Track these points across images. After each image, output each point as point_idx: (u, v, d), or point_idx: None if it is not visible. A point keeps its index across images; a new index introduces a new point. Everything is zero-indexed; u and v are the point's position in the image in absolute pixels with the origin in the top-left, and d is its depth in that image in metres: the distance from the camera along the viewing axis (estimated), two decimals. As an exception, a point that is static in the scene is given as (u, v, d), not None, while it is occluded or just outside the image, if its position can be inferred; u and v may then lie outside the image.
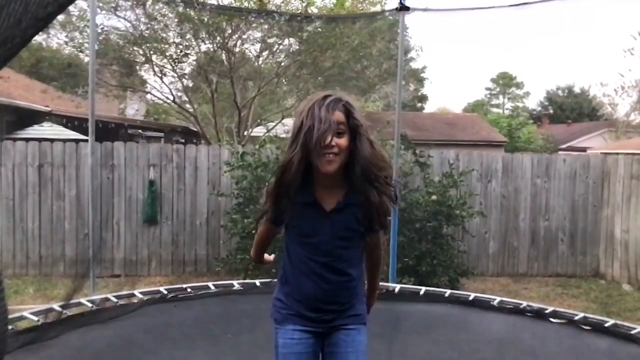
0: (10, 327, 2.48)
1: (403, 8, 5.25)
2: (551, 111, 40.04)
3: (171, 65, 12.72)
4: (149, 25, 12.11)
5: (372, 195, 1.78)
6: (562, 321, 3.35)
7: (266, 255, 2.21)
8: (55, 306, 2.96)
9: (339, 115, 1.75)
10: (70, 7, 10.95)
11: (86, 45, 12.08)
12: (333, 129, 1.72)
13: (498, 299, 3.72)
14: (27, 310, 2.80)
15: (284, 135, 7.04)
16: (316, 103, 1.76)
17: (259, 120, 15.07)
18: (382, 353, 2.80)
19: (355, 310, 1.92)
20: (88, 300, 3.17)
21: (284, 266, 1.95)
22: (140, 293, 3.38)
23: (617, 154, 8.71)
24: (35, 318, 2.78)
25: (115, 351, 2.82)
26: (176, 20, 11.85)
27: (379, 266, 2.05)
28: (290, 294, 1.90)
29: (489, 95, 51.22)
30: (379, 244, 1.97)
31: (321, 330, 1.88)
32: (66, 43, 12.93)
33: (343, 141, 1.76)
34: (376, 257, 1.99)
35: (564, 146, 24.39)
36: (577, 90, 41.01)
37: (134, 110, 18.63)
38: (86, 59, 13.60)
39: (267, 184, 6.39)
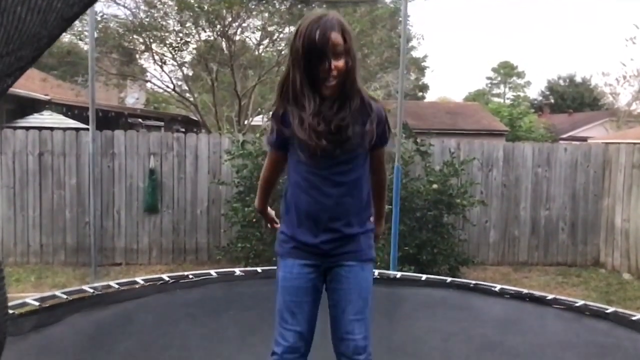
0: (12, 312, 2.49)
1: (405, -5, 5.21)
2: (552, 101, 39.94)
3: (171, 53, 12.66)
4: (148, 13, 12.04)
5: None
6: (562, 307, 3.35)
7: (270, 211, 2.17)
8: (58, 293, 2.97)
9: (336, 37, 1.74)
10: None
11: (86, 33, 12.03)
12: (331, 51, 1.72)
13: (499, 286, 3.73)
14: (28, 298, 2.81)
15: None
16: (313, 25, 1.73)
17: (259, 109, 15.04)
18: (384, 328, 2.81)
19: (359, 244, 1.88)
20: (90, 287, 3.18)
21: (285, 194, 1.94)
22: (142, 280, 3.39)
23: (619, 143, 8.70)
24: (37, 304, 2.79)
25: (117, 327, 2.84)
26: (176, 8, 11.78)
27: (384, 187, 2.05)
28: (291, 220, 1.89)
29: (490, 85, 51.12)
30: (381, 161, 1.98)
31: (322, 264, 1.86)
32: (65, 31, 12.88)
33: (341, 63, 1.75)
34: (380, 177, 2.00)
35: (565, 136, 24.37)
36: (578, 79, 40.93)
37: (134, 99, 18.56)
38: (85, 47, 13.55)
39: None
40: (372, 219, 1.99)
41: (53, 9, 0.67)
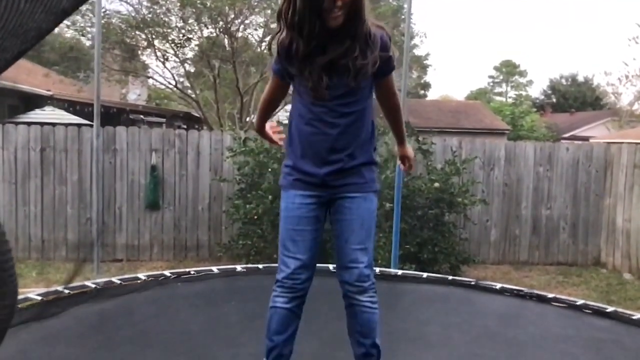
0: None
1: (409, -7, 5.21)
2: (554, 100, 39.89)
3: (173, 50, 12.68)
4: (151, 10, 12.06)
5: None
6: (563, 305, 3.36)
7: (269, 126, 2.22)
8: (60, 288, 2.99)
9: None
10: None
11: (88, 29, 12.04)
12: None
13: (499, 285, 3.73)
14: (30, 293, 2.82)
15: (286, 122, 7.02)
16: None
17: (261, 106, 15.01)
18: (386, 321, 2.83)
19: (362, 176, 1.90)
20: (92, 283, 3.20)
21: (290, 125, 1.96)
22: (144, 276, 3.41)
23: (621, 143, 8.69)
24: (40, 299, 2.81)
25: (118, 317, 2.86)
26: (178, 4, 11.79)
27: (398, 112, 2.07)
28: (295, 152, 1.92)
29: (492, 83, 51.06)
30: (391, 88, 1.99)
31: (325, 195, 1.88)
32: (68, 27, 12.88)
33: None
34: (393, 103, 2.03)
35: (566, 135, 24.34)
36: (580, 79, 40.82)
37: (135, 95, 18.58)
38: (88, 43, 13.56)
39: (269, 170, 6.40)
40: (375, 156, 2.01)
41: (40, 2, 0.66)
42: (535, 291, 3.66)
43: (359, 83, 1.82)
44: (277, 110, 13.35)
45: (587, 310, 3.25)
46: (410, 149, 2.21)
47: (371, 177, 1.93)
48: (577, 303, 3.37)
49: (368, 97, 1.91)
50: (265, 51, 13.68)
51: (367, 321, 1.88)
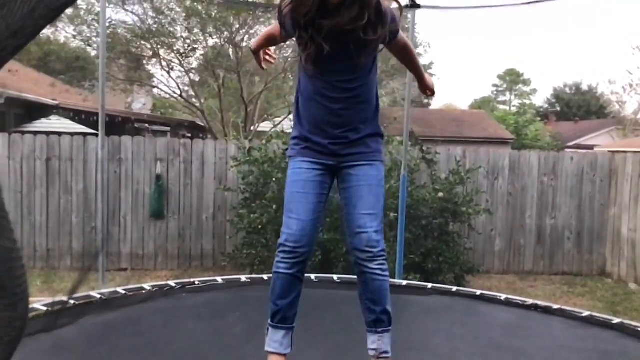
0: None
1: (414, 5, 5.24)
2: (558, 109, 39.86)
3: (178, 59, 12.75)
4: (156, 20, 12.13)
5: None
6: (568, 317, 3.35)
7: (264, 51, 2.31)
8: (65, 298, 2.99)
9: None
10: (79, 1, 10.99)
11: (94, 39, 12.13)
12: None
13: (504, 296, 3.72)
14: (36, 303, 2.83)
15: (290, 131, 7.05)
16: None
17: (265, 116, 15.08)
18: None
19: (368, 147, 1.92)
20: (98, 293, 3.20)
21: (297, 102, 1.98)
22: (149, 286, 3.41)
23: (625, 152, 8.68)
24: (45, 309, 2.81)
25: (124, 328, 2.86)
26: (184, 14, 11.87)
27: (413, 55, 2.15)
28: (302, 126, 1.94)
29: (495, 92, 51.04)
30: (405, 45, 2.04)
31: (332, 163, 1.90)
32: (74, 37, 12.98)
33: None
34: (408, 53, 2.11)
35: (571, 144, 24.29)
36: (584, 87, 40.79)
37: (140, 104, 18.68)
38: (93, 53, 13.66)
39: (273, 179, 6.41)
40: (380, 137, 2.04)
41: (42, 1, 0.68)
42: (541, 303, 3.64)
43: (366, 58, 1.84)
44: (280, 120, 13.26)
45: (593, 322, 3.23)
46: (430, 79, 2.25)
47: (377, 147, 1.95)
48: (583, 314, 3.35)
49: (371, 71, 1.92)
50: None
51: (378, 288, 1.88)
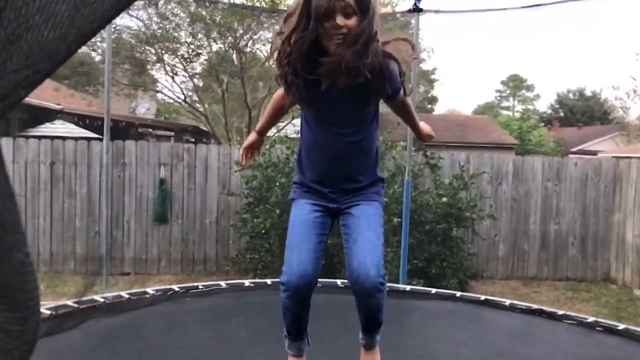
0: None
1: (417, 10, 5.24)
2: (562, 114, 39.84)
3: (182, 64, 12.79)
4: (161, 25, 12.18)
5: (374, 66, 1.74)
6: (573, 322, 3.33)
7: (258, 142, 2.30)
8: (70, 302, 3.00)
9: None
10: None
11: (98, 44, 12.17)
12: (339, 7, 1.67)
13: (508, 301, 3.71)
14: (41, 307, 2.84)
15: (294, 136, 7.06)
16: None
17: (269, 121, 15.07)
18: (394, 338, 2.81)
19: (367, 191, 1.97)
20: (101, 297, 3.20)
21: (299, 155, 2.04)
22: (153, 290, 3.41)
23: (630, 157, 8.65)
24: (49, 312, 2.82)
25: (127, 333, 2.86)
26: (188, 20, 11.91)
27: (412, 113, 2.23)
28: (303, 175, 1.99)
29: (499, 98, 51.10)
30: (404, 101, 2.05)
31: (333, 206, 1.94)
32: (79, 42, 13.01)
33: (352, 22, 1.69)
34: (407, 110, 2.16)
35: (574, 149, 24.26)
36: (588, 93, 40.81)
37: (144, 109, 18.73)
38: (98, 58, 13.71)
39: (277, 184, 6.41)
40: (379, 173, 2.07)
41: (74, 25, 0.68)
42: (546, 308, 3.63)
43: (367, 107, 1.86)
44: (284, 125, 13.30)
45: (598, 328, 3.22)
46: (425, 126, 2.35)
47: (377, 190, 2.00)
48: (588, 320, 3.34)
49: (372, 123, 1.94)
50: (273, 66, 13.78)
51: (374, 315, 1.93)
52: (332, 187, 1.94)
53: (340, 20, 1.68)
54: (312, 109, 1.88)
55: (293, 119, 13.82)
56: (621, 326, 3.22)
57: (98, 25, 0.71)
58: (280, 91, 2.06)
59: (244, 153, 2.28)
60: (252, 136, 2.28)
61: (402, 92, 1.95)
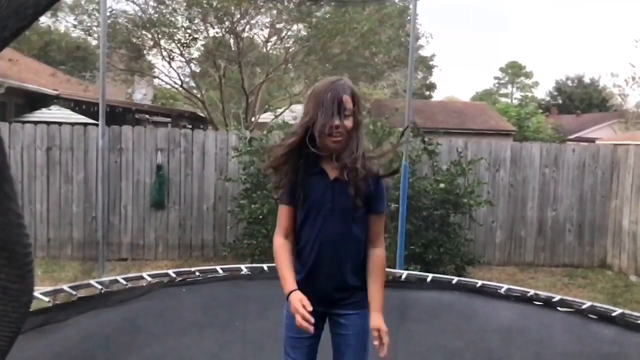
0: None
1: (414, -6, 5.20)
2: (560, 101, 39.75)
3: (179, 49, 12.70)
4: (157, 9, 12.08)
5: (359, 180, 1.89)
6: (570, 310, 3.34)
7: (299, 299, 1.86)
8: (66, 287, 2.99)
9: (347, 99, 1.89)
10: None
11: (94, 28, 12.08)
12: (341, 111, 1.86)
13: (505, 286, 3.71)
14: (37, 291, 2.83)
15: (292, 122, 7.03)
16: (327, 86, 1.90)
17: (266, 107, 15.04)
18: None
19: (356, 295, 2.00)
20: (97, 282, 3.19)
21: (298, 243, 2.03)
22: (149, 276, 3.40)
23: (627, 144, 8.64)
24: (46, 299, 2.81)
25: (124, 335, 2.84)
26: (184, 4, 11.81)
27: (380, 266, 2.01)
28: (298, 275, 1.98)
29: (497, 85, 50.90)
30: (378, 231, 2.02)
31: (322, 309, 1.97)
32: (74, 26, 12.93)
33: (349, 123, 1.88)
34: (376, 250, 2.01)
35: (572, 136, 24.25)
36: (586, 80, 40.65)
37: (141, 94, 18.62)
38: (94, 42, 13.61)
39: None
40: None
41: None
42: (541, 293, 3.63)
43: (356, 207, 1.92)
44: (282, 111, 13.25)
45: (593, 316, 3.22)
46: (381, 321, 1.90)
47: (363, 295, 1.99)
48: (584, 306, 3.35)
49: (362, 226, 1.98)
50: (270, 52, 13.69)
51: None
52: (323, 293, 1.96)
53: (340, 121, 1.87)
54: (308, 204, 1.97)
55: (291, 104, 13.79)
56: (617, 311, 3.24)
57: None
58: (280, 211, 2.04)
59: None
60: (295, 297, 1.87)
61: (382, 203, 2.03)
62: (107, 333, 2.77)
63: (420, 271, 5.04)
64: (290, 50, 13.03)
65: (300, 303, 1.80)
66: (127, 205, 7.45)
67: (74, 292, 2.91)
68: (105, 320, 2.90)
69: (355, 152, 1.90)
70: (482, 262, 7.09)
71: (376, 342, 1.86)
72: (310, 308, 1.79)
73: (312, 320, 1.80)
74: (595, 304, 3.46)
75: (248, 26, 12.61)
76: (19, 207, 0.87)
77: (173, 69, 13.62)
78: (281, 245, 1.98)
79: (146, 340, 2.74)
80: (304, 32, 12.86)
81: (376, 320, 1.89)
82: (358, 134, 1.93)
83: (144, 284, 3.34)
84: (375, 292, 1.96)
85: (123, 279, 3.28)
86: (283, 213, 2.01)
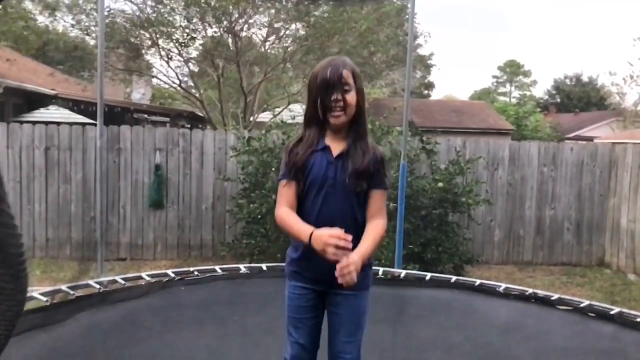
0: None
1: (412, -7, 5.20)
2: (558, 100, 39.77)
3: (177, 49, 12.69)
4: (155, 9, 12.07)
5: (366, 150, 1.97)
6: (568, 308, 3.35)
7: (329, 234, 1.80)
8: (64, 287, 2.99)
9: (346, 74, 1.93)
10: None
11: (92, 28, 12.07)
12: (338, 85, 1.91)
13: (504, 285, 3.72)
14: (35, 292, 2.83)
15: (290, 121, 7.02)
16: (327, 62, 1.97)
17: (265, 106, 15.03)
18: (387, 338, 2.82)
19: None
20: (96, 282, 3.19)
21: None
22: (148, 275, 3.40)
23: (625, 143, 8.66)
24: (44, 299, 2.81)
25: (123, 333, 2.84)
26: (183, 3, 11.80)
27: (378, 232, 1.96)
28: (295, 250, 2.03)
29: (496, 83, 50.94)
30: (380, 205, 2.00)
31: (321, 289, 2.00)
32: (72, 26, 12.92)
33: (350, 97, 1.93)
34: (378, 221, 1.97)
35: (571, 135, 24.27)
36: (585, 79, 40.68)
37: (140, 94, 18.61)
38: (92, 42, 13.60)
39: (272, 169, 6.39)
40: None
41: None
42: (540, 292, 3.64)
43: (358, 184, 1.94)
44: (280, 110, 13.19)
45: (591, 314, 3.23)
46: (357, 260, 1.80)
47: (363, 274, 1.92)
48: (582, 305, 3.35)
49: (360, 201, 1.99)
50: (269, 51, 13.68)
51: None
52: (321, 273, 1.92)
53: (339, 95, 1.93)
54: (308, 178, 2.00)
55: (289, 103, 13.79)
56: (615, 310, 3.24)
57: None
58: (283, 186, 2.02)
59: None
60: (317, 234, 1.83)
61: (382, 179, 2.04)
62: (106, 329, 2.77)
63: (418, 270, 5.04)
64: (289, 49, 13.02)
65: (326, 234, 1.77)
66: (126, 205, 7.44)
67: (72, 292, 2.91)
68: (104, 317, 2.90)
69: (363, 126, 1.98)
70: (480, 261, 7.10)
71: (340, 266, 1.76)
72: (340, 231, 1.76)
73: (349, 237, 1.76)
74: (594, 302, 3.46)
75: (246, 25, 12.61)
76: (10, 208, 0.88)
77: (171, 68, 13.63)
78: (286, 211, 1.96)
79: (144, 336, 2.75)
80: (302, 32, 12.86)
81: (354, 255, 1.79)
82: (362, 110, 1.98)
83: (143, 284, 3.34)
84: (364, 241, 1.90)
85: (122, 278, 3.28)
86: (285, 189, 2.00)
